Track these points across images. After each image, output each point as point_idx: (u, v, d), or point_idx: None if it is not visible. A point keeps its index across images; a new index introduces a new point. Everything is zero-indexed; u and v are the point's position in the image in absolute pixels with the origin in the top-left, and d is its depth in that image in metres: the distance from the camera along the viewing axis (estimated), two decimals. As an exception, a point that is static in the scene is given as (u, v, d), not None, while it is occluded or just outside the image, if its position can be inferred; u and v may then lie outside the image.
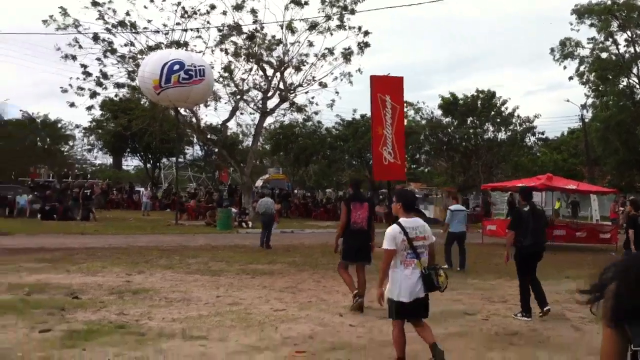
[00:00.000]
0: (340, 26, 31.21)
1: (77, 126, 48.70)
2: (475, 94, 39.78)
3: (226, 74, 31.38)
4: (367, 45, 31.42)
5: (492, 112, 39.65)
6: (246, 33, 29.93)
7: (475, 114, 39.54)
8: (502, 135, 40.57)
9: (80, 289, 11.03)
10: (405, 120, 40.44)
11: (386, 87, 18.76)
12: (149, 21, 29.85)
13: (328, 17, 31.07)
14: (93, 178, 54.47)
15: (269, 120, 34.41)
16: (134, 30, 29.50)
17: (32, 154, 47.52)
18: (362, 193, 11.86)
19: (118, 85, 29.78)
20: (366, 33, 31.40)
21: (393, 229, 6.04)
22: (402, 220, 6.13)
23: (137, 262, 14.89)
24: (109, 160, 62.26)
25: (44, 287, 11.03)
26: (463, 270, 15.20)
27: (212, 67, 31.03)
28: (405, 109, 40.60)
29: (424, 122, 40.33)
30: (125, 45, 29.50)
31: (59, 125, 49.68)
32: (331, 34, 31.39)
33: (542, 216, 10.52)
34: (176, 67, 25.60)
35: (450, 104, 39.23)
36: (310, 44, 31.15)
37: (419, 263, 6.04)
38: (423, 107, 41.16)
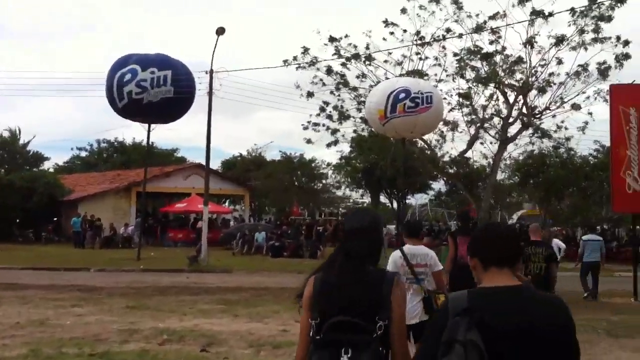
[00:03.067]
0: (597, 39, 26.99)
1: (328, 164, 49.61)
2: None
3: (465, 102, 28.92)
4: (626, 57, 26.79)
5: None
6: (486, 54, 27.28)
7: None
8: None
9: (224, 339, 9.89)
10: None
11: (630, 98, 15.18)
12: (389, 53, 28.72)
13: (582, 31, 27.13)
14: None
15: (511, 149, 30.98)
16: (368, 62, 28.60)
17: (290, 193, 49.35)
18: (469, 226, 10.69)
19: (344, 117, 28.97)
20: (626, 43, 26.80)
21: (394, 254, 6.44)
22: (405, 247, 6.44)
23: (316, 308, 13.33)
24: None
25: (185, 335, 10.05)
26: (595, 299, 15.43)
27: (451, 96, 28.97)
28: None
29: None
30: (357, 77, 28.69)
31: (313, 164, 51.07)
32: (585, 49, 27.23)
33: None
34: (402, 95, 23.81)
35: None
36: (559, 62, 27.40)
37: (420, 288, 6.27)
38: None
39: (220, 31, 23.83)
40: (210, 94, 23.84)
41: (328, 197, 57.61)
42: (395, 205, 51.43)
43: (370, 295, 2.86)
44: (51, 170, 54.27)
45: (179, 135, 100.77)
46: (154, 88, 23.33)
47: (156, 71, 23.54)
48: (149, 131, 25.17)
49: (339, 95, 29.18)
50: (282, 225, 37.10)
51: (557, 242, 17.40)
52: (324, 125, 29.39)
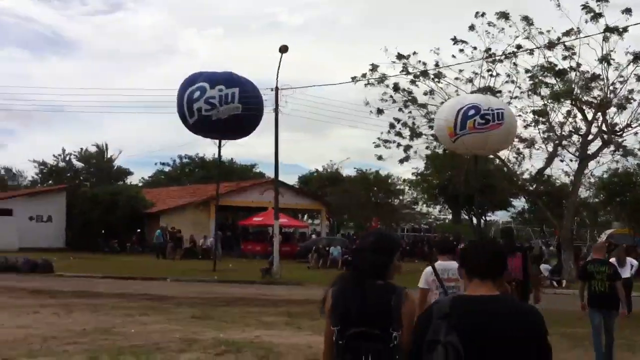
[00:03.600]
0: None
1: (404, 180, 49.38)
2: None
3: (541, 119, 28.29)
4: None
5: None
6: (559, 71, 26.66)
7: None
8: None
9: (281, 352, 10.02)
10: None
11: None
12: (461, 71, 28.65)
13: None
14: (434, 231, 54.43)
15: (593, 166, 30.04)
16: (437, 80, 28.49)
17: (367, 209, 49.33)
18: (513, 243, 10.86)
19: (416, 135, 28.88)
20: None
21: (426, 270, 6.70)
22: (437, 262, 6.56)
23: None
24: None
25: (244, 347, 10.24)
26: None
27: (526, 113, 28.48)
28: None
29: None
30: (425, 94, 28.62)
31: (389, 180, 50.90)
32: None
33: None
34: (471, 112, 23.62)
35: None
36: (639, 78, 26.48)
37: None
38: None
39: (284, 49, 24.35)
40: (276, 111, 24.35)
41: (408, 214, 57.18)
42: (481, 222, 50.70)
43: (377, 307, 3.20)
44: (137, 184, 56.49)
45: (258, 152, 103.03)
46: (223, 105, 23.97)
47: (224, 89, 24.18)
48: (219, 147, 25.99)
49: (409, 112, 29.22)
50: (357, 239, 37.11)
51: (630, 260, 16.76)
52: (394, 142, 29.50)
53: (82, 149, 50.26)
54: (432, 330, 2.68)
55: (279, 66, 24.68)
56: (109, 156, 52.97)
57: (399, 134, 29.05)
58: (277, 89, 24.23)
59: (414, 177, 46.47)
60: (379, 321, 3.18)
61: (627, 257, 16.46)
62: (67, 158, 49.91)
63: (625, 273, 15.13)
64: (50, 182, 50.00)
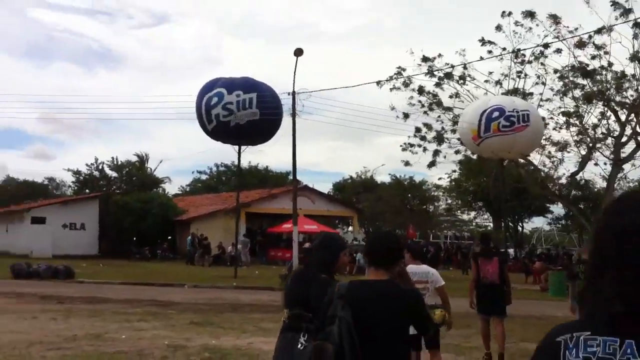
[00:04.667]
0: None
1: (437, 186, 48.68)
2: None
3: (572, 121, 27.48)
4: None
5: None
6: (588, 71, 25.82)
7: None
8: None
9: (267, 359, 9.58)
10: None
11: None
12: (490, 73, 28.11)
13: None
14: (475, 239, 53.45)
15: (628, 169, 29.02)
16: (462, 82, 27.97)
17: (403, 216, 48.73)
18: (490, 248, 10.61)
19: (439, 139, 28.31)
20: None
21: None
22: (408, 267, 6.77)
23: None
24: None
25: (229, 354, 9.99)
26: None
27: (557, 115, 27.70)
28: None
29: None
30: (450, 97, 28.09)
31: (423, 187, 50.24)
32: None
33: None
34: (495, 114, 22.99)
35: None
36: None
37: None
38: None
39: (298, 52, 23.99)
40: (293, 115, 24.03)
41: (447, 221, 56.34)
42: (518, 228, 49.71)
43: (317, 295, 3.74)
44: (176, 192, 56.82)
45: (298, 159, 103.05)
46: (240, 110, 23.79)
47: (242, 94, 24.02)
48: (239, 152, 25.80)
49: (438, 116, 28.73)
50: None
51: None
52: (419, 146, 29.03)
53: (113, 157, 50.67)
54: (333, 307, 3.30)
55: (295, 70, 24.33)
56: (149, 166, 53.61)
57: (423, 137, 28.55)
58: (293, 93, 23.89)
59: (447, 183, 45.80)
60: (317, 307, 3.72)
61: None
62: (100, 167, 50.35)
63: None
64: (86, 190, 50.54)
